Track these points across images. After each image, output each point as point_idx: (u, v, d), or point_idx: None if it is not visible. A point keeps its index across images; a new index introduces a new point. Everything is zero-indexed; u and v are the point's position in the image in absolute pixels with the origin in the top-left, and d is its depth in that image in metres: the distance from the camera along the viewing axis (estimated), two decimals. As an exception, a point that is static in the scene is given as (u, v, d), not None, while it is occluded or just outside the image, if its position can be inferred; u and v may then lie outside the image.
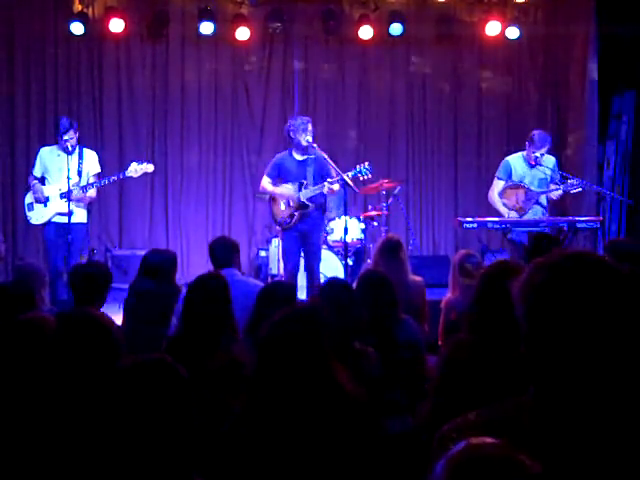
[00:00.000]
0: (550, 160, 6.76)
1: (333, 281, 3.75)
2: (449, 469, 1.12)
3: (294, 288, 3.94)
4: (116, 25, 8.49)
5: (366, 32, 8.73)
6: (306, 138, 6.25)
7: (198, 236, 9.00)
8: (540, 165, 6.62)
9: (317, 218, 6.48)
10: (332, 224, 7.79)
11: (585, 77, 8.98)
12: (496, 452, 1.13)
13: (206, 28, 8.59)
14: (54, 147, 6.85)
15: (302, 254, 6.52)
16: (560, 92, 9.28)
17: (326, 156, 6.25)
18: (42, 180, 6.80)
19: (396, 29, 8.72)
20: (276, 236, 7.52)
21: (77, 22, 8.40)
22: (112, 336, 2.35)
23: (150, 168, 6.88)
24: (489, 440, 1.17)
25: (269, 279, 7.68)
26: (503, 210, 6.73)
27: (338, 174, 6.14)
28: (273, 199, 6.55)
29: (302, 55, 9.14)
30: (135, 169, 6.76)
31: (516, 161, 6.77)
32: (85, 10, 8.62)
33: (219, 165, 9.20)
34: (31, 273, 4.36)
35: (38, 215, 6.71)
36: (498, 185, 6.80)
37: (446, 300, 4.57)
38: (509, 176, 6.76)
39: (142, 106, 9.02)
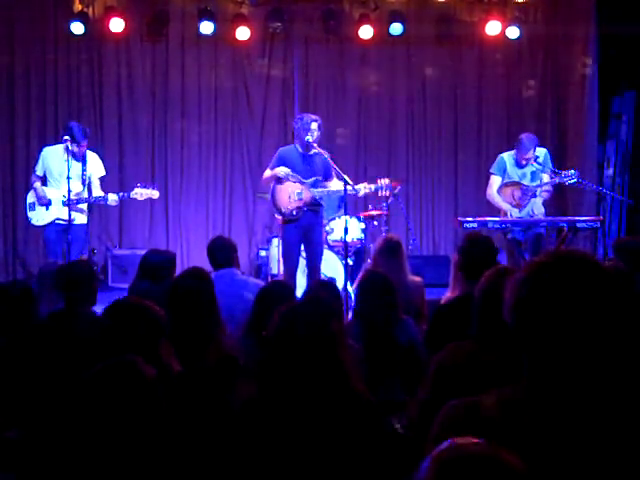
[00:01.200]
0: (541, 151, 6.79)
1: (320, 282, 3.79)
2: (434, 468, 1.13)
3: (293, 288, 3.95)
4: (116, 25, 8.50)
5: (366, 32, 8.73)
6: (306, 137, 6.22)
7: (198, 236, 8.99)
8: (539, 164, 6.67)
9: (320, 216, 6.48)
10: (332, 224, 7.78)
11: (585, 77, 8.99)
12: (480, 451, 1.14)
13: (206, 28, 8.59)
14: (58, 148, 6.69)
15: (302, 253, 6.52)
16: (560, 92, 9.28)
17: (327, 156, 6.24)
18: (44, 180, 6.77)
19: (396, 29, 8.72)
20: (276, 236, 7.50)
21: (77, 22, 8.40)
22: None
23: (155, 194, 6.71)
24: (474, 440, 1.18)
25: (269, 279, 7.67)
26: (505, 206, 6.76)
27: (339, 175, 6.13)
28: (280, 188, 6.28)
29: (302, 55, 9.14)
30: (140, 193, 6.59)
31: (508, 159, 6.83)
32: (85, 10, 8.62)
33: (219, 165, 9.20)
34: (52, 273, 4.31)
35: (39, 216, 6.68)
36: (495, 181, 6.84)
37: (445, 299, 4.53)
38: (503, 172, 6.80)
39: (142, 106, 9.02)
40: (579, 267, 1.39)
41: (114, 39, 8.78)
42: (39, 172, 6.75)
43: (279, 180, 6.27)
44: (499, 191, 6.84)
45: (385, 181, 6.34)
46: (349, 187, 5.98)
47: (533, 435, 1.32)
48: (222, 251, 4.80)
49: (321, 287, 3.68)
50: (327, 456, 2.16)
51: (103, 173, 6.87)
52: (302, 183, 6.25)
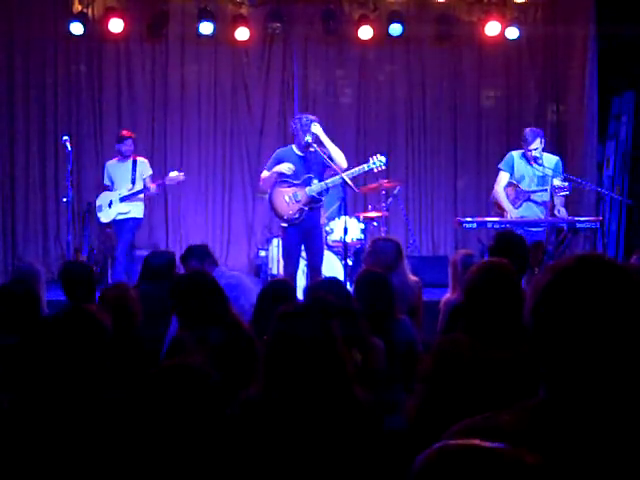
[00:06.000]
0: (551, 160, 6.74)
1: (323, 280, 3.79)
2: (426, 463, 1.11)
3: (295, 286, 3.94)
4: (116, 25, 8.49)
5: (366, 32, 8.73)
6: (305, 138, 6.22)
7: (198, 236, 8.99)
8: (539, 164, 6.62)
9: (319, 215, 6.48)
10: (332, 224, 7.78)
11: (585, 77, 8.99)
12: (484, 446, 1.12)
13: (206, 28, 8.59)
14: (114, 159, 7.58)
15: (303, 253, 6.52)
16: (560, 92, 9.29)
17: (325, 156, 6.24)
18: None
19: (396, 29, 8.73)
20: (276, 236, 7.50)
21: (77, 22, 8.41)
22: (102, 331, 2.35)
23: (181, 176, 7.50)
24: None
25: (269, 279, 7.67)
26: (507, 206, 6.74)
27: (337, 174, 6.13)
28: (275, 195, 6.32)
29: (301, 55, 9.14)
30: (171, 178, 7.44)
31: (517, 155, 6.81)
32: (85, 10, 8.63)
33: (218, 165, 9.21)
34: (29, 273, 4.31)
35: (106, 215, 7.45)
36: (503, 177, 6.79)
37: (445, 300, 4.51)
38: (511, 168, 6.78)
39: (142, 106, 9.03)
40: (604, 271, 1.35)
41: (114, 39, 8.79)
42: (107, 182, 7.55)
43: (275, 184, 6.30)
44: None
45: (377, 157, 6.41)
46: (347, 184, 6.01)
47: (555, 450, 1.29)
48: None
49: (326, 285, 3.66)
50: (325, 459, 2.16)
51: (150, 172, 7.52)
52: (295, 185, 6.26)
